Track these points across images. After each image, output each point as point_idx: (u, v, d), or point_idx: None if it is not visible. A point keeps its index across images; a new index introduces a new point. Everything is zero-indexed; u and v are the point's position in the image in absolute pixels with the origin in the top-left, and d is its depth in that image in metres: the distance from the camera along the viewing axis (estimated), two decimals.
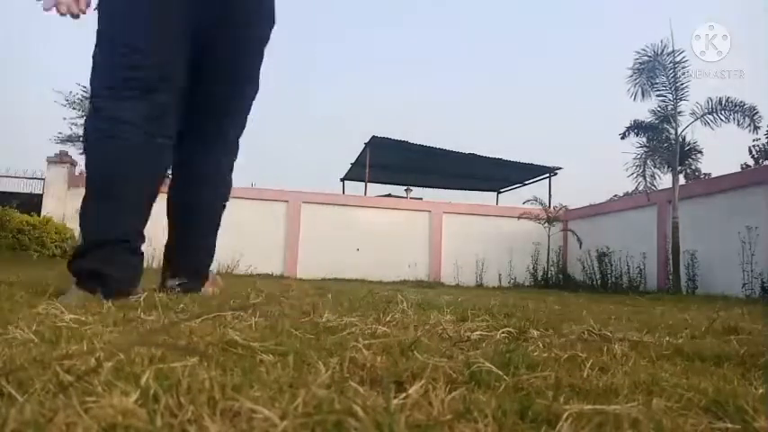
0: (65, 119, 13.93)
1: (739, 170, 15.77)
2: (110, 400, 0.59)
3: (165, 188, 2.47)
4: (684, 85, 11.26)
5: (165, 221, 2.57)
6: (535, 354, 1.20)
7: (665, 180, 11.78)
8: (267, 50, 2.51)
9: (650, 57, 11.46)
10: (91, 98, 2.15)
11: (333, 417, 0.60)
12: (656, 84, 11.47)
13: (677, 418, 0.74)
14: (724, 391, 0.91)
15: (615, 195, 20.66)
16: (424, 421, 0.63)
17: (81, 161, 14.30)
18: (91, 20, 2.12)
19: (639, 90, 11.60)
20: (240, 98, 2.55)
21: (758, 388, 0.97)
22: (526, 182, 19.83)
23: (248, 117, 2.63)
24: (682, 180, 12.05)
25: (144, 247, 2.19)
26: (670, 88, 11.35)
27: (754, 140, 23.10)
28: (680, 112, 11.40)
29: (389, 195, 19.51)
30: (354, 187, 20.15)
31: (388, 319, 1.67)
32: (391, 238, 15.16)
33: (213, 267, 2.81)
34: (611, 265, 12.38)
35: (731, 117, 10.90)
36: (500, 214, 16.22)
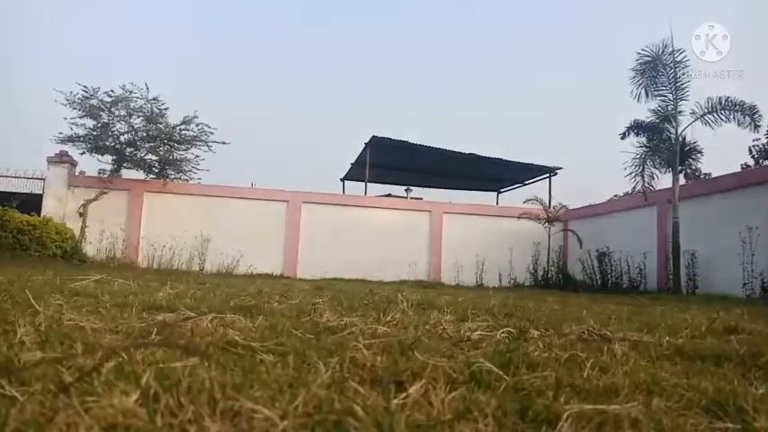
0: (65, 119, 13.90)
1: (739, 170, 15.77)
2: (110, 400, 0.59)
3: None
4: (684, 85, 11.26)
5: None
6: (535, 354, 1.20)
7: (664, 180, 11.79)
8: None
9: (651, 57, 11.44)
10: None
11: (333, 417, 0.60)
12: (658, 83, 11.45)
13: (677, 418, 0.74)
14: (724, 391, 0.91)
15: (615, 195, 20.66)
16: (424, 421, 0.63)
17: (81, 161, 14.32)
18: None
19: (643, 91, 11.58)
20: None
21: (758, 388, 0.97)
22: (526, 182, 19.81)
23: None
24: (682, 180, 12.04)
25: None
26: (670, 88, 11.34)
27: (754, 140, 23.06)
28: (680, 112, 11.40)
29: (389, 195, 19.50)
30: (354, 187, 20.15)
31: (388, 319, 1.67)
32: (391, 239, 15.14)
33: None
34: (611, 265, 12.37)
35: (731, 116, 10.90)
36: (500, 214, 16.20)
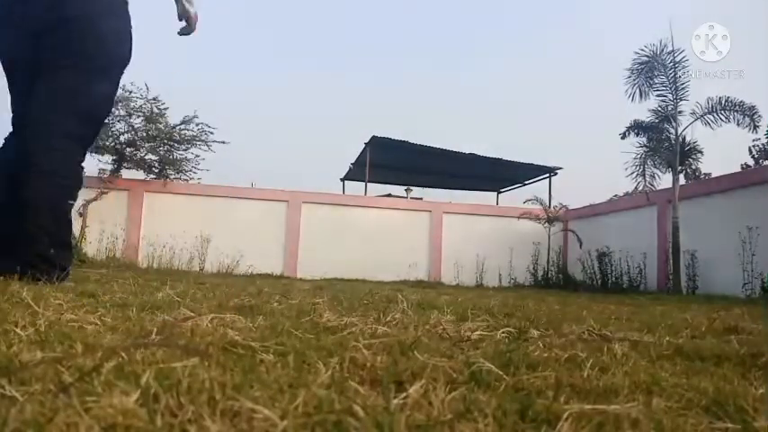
0: None
1: (739, 170, 15.77)
2: (110, 400, 0.59)
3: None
4: (684, 85, 11.27)
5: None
6: (535, 354, 1.20)
7: (665, 180, 11.79)
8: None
9: (648, 57, 11.46)
10: None
11: (333, 417, 0.60)
12: (655, 84, 11.47)
13: (677, 418, 0.74)
14: (724, 391, 0.91)
15: (615, 195, 20.65)
16: (424, 421, 0.63)
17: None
18: None
19: (637, 91, 11.61)
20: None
21: (758, 388, 0.97)
22: (526, 182, 19.81)
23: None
24: (682, 180, 12.05)
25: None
26: (670, 88, 11.35)
27: (754, 140, 23.04)
28: (680, 112, 11.41)
29: (389, 195, 19.50)
30: (354, 187, 20.15)
31: (388, 319, 1.67)
32: (391, 238, 15.14)
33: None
34: (611, 265, 12.37)
35: (731, 117, 10.91)
36: (500, 214, 16.20)
